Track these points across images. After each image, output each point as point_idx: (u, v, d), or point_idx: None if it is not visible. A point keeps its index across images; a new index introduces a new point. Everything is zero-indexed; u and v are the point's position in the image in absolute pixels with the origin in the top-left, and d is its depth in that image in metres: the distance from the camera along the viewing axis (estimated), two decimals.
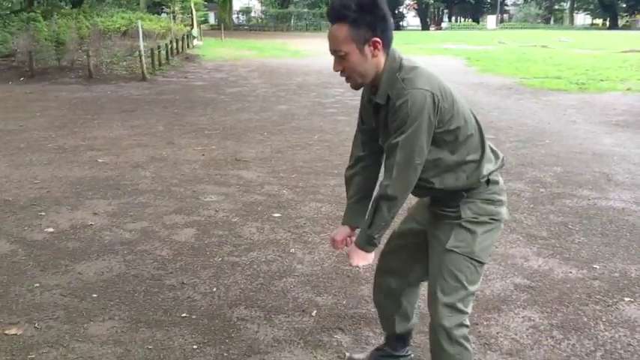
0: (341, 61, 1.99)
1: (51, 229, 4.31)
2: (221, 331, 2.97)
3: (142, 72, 13.54)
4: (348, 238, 2.30)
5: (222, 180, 5.65)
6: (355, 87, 2.08)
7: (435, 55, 20.17)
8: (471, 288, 2.12)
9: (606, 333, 2.98)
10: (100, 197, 5.07)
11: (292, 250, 4.01)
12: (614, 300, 3.32)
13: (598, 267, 3.75)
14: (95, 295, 3.33)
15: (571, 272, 3.68)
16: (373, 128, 2.19)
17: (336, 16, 1.95)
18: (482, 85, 12.93)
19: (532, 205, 4.93)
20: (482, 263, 2.13)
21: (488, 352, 2.80)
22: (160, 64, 15.22)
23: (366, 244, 2.11)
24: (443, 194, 2.14)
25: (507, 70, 15.56)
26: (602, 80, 13.23)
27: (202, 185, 5.47)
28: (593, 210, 4.82)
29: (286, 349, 2.82)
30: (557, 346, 2.86)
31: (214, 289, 3.43)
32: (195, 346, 2.83)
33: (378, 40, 1.96)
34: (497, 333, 2.98)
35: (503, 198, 2.19)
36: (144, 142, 7.21)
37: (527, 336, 2.95)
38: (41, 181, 5.51)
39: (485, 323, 3.06)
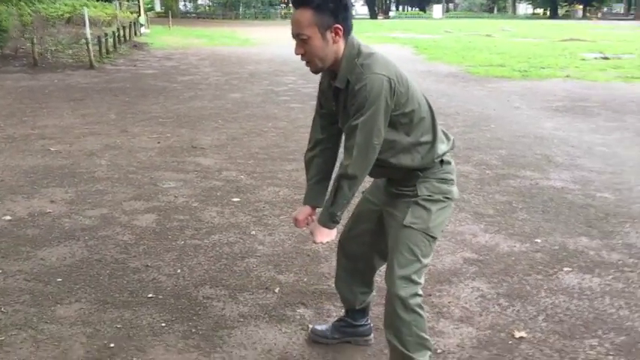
0: (303, 44, 2.08)
1: (8, 217, 4.30)
2: (188, 309, 3.08)
3: (90, 60, 13.27)
4: (310, 218, 2.42)
5: (180, 167, 5.71)
6: (315, 71, 2.17)
7: (383, 44, 20.45)
8: (425, 261, 2.29)
9: (547, 299, 3.24)
10: (55, 185, 5.05)
11: (253, 232, 4.14)
12: (555, 270, 3.59)
13: (540, 241, 4.03)
14: (60, 280, 3.37)
15: (515, 246, 3.94)
16: (332, 112, 2.31)
17: (301, 0, 2.05)
18: (430, 73, 13.27)
19: (479, 186, 5.20)
20: (435, 238, 2.30)
21: (441, 319, 3.01)
22: (107, 52, 14.94)
23: (329, 221, 2.24)
24: (400, 174, 2.28)
25: (454, 59, 15.98)
26: (543, 68, 13.78)
27: (160, 172, 5.51)
28: (535, 189, 5.12)
29: (252, 324, 2.96)
30: (504, 312, 3.10)
31: (178, 271, 3.52)
32: (163, 324, 2.93)
33: (340, 26, 2.07)
34: (449, 302, 3.19)
35: (454, 178, 2.36)
36: (96, 131, 7.15)
37: (476, 304, 3.18)
38: None
39: (437, 294, 3.28)
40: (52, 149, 6.22)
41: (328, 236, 2.27)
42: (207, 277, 3.45)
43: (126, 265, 3.58)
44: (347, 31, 2.11)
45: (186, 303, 3.15)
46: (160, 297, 3.21)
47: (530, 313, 3.09)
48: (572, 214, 4.54)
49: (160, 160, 5.91)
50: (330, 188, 2.25)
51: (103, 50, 14.68)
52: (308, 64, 2.15)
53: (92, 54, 13.36)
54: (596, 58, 15.52)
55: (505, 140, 6.89)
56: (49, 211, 4.46)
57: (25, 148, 6.23)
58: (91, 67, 13.13)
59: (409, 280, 2.24)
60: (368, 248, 2.53)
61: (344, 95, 2.15)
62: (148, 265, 3.58)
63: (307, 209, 2.41)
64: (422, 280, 2.31)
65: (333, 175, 2.28)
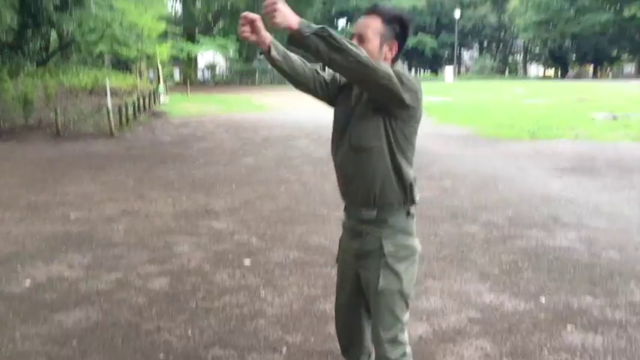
0: (359, 44, 2.19)
1: (28, 282, 4.46)
2: None
3: (110, 129, 13.75)
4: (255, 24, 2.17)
5: (194, 230, 5.88)
6: None
7: None
8: (405, 318, 2.39)
9: (550, 357, 3.29)
10: (74, 251, 5.23)
11: (262, 294, 4.25)
12: (558, 328, 3.64)
13: (544, 300, 4.08)
14: (75, 342, 3.50)
15: (520, 305, 4.00)
16: (333, 89, 2.41)
17: (375, 10, 2.26)
18: (441, 134, 13.52)
19: (485, 246, 5.29)
20: (409, 294, 2.39)
21: None
22: (127, 121, 15.47)
23: (307, 26, 2.01)
24: (378, 200, 2.31)
25: (464, 120, 16.28)
26: (552, 128, 13.98)
27: (174, 236, 5.68)
28: (541, 249, 5.19)
29: None
30: None
31: (189, 332, 3.63)
32: None
33: (396, 45, 2.28)
34: None
35: (415, 230, 2.42)
36: (115, 197, 7.40)
37: None
38: (15, 237, 5.64)
39: (442, 353, 3.34)
40: (72, 216, 6.45)
41: (287, 21, 2.00)
42: (216, 338, 3.55)
43: (139, 328, 3.70)
44: (398, 54, 2.30)
45: None
46: (171, 358, 3.31)
47: None
48: (577, 272, 4.60)
49: (174, 224, 6.10)
50: None
51: (123, 119, 15.21)
52: None
53: (112, 123, 13.86)
54: (605, 118, 15.71)
55: (512, 201, 7.00)
56: (66, 275, 4.62)
57: (46, 215, 6.47)
58: (112, 135, 13.59)
59: (396, 341, 2.35)
60: (355, 311, 2.58)
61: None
62: (160, 327, 3.70)
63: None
64: (406, 338, 2.40)
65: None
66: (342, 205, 2.52)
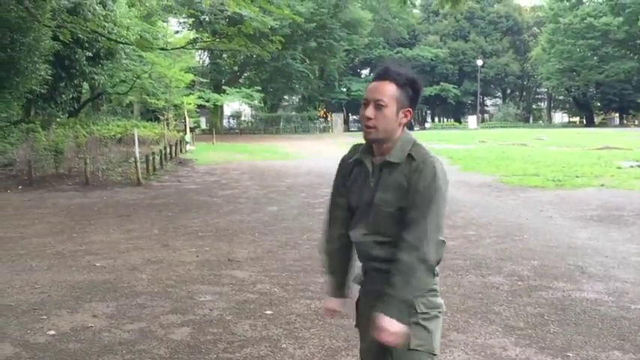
0: (376, 110, 2.23)
1: (52, 332, 4.51)
2: None
3: (137, 177, 14.02)
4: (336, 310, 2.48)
5: (216, 280, 5.91)
6: (372, 138, 2.27)
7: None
8: None
9: None
10: (98, 300, 5.29)
11: (284, 346, 4.23)
12: None
13: (571, 355, 3.99)
14: None
15: None
16: (347, 198, 2.42)
17: (387, 76, 2.25)
18: (464, 183, 13.48)
19: (510, 298, 5.21)
20: (437, 353, 2.35)
21: None
22: (154, 169, 15.76)
23: (406, 310, 2.19)
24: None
25: (487, 169, 16.23)
26: (577, 177, 13.84)
27: (197, 285, 5.72)
28: (568, 301, 5.09)
29: None
30: None
31: None
32: None
33: (411, 111, 2.31)
34: None
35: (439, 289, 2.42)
36: (140, 246, 7.49)
37: None
38: (41, 285, 5.74)
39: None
40: (97, 264, 6.54)
41: (400, 330, 2.20)
42: None
43: None
44: (409, 121, 2.34)
45: None
46: None
47: None
48: (606, 326, 4.49)
49: (197, 274, 6.14)
50: (392, 278, 2.20)
51: (150, 167, 15.51)
52: (370, 129, 2.26)
53: (140, 172, 14.14)
54: (632, 167, 15.53)
55: (537, 250, 6.91)
56: (90, 325, 4.66)
57: (72, 264, 6.57)
58: (139, 183, 13.84)
59: None
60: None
61: (395, 170, 2.25)
62: None
63: (336, 301, 2.49)
64: None
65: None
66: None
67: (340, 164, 2.48)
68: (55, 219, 9.49)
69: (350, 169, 2.42)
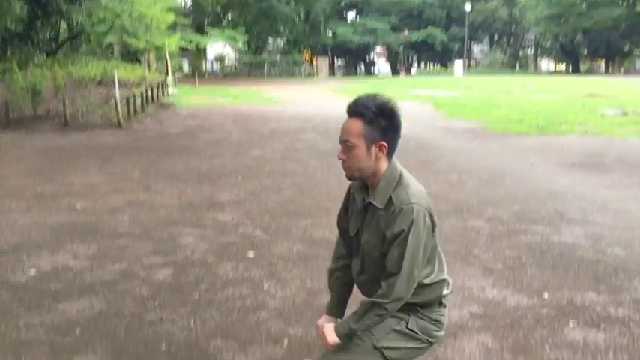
0: (346, 151, 2.14)
1: (33, 272, 4.50)
2: None
3: (118, 120, 13.80)
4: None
5: (198, 222, 5.90)
6: (349, 178, 2.25)
7: (403, 101, 20.85)
8: None
9: (551, 354, 3.28)
10: (79, 241, 5.27)
11: (265, 287, 4.26)
12: (560, 324, 3.63)
13: (547, 295, 4.07)
14: (78, 331, 3.52)
15: (522, 301, 3.99)
16: (346, 224, 2.38)
17: (355, 111, 2.15)
18: (449, 129, 13.47)
19: (490, 241, 5.28)
20: None
21: None
22: (135, 112, 15.50)
23: (345, 335, 2.20)
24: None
25: (472, 115, 16.20)
26: (561, 124, 13.88)
27: (179, 228, 5.71)
28: (546, 245, 5.17)
29: None
30: None
31: (192, 324, 3.65)
32: None
33: (385, 144, 2.16)
34: (453, 356, 3.26)
35: (444, 322, 2.36)
36: (120, 188, 7.43)
37: (480, 358, 3.24)
38: (21, 226, 5.69)
39: (442, 348, 3.34)
40: (78, 206, 6.48)
41: (333, 342, 2.24)
42: (218, 330, 3.57)
43: (142, 318, 3.73)
44: (391, 151, 2.19)
45: (197, 355, 3.26)
46: (173, 349, 3.33)
47: None
48: (582, 269, 4.58)
49: (179, 216, 6.12)
50: (361, 306, 2.20)
51: (131, 110, 15.25)
52: (346, 170, 2.20)
53: (120, 114, 13.90)
54: (615, 114, 15.59)
55: (519, 196, 6.97)
56: (71, 265, 4.65)
57: (52, 206, 6.51)
58: (119, 126, 13.63)
59: None
60: None
61: (377, 213, 2.19)
62: (162, 319, 3.72)
63: (328, 319, 2.41)
64: None
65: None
66: None
67: (348, 188, 2.41)
68: (34, 160, 9.35)
69: (351, 198, 2.38)
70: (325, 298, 3.99)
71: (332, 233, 5.44)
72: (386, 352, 2.20)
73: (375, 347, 2.21)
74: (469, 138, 12.23)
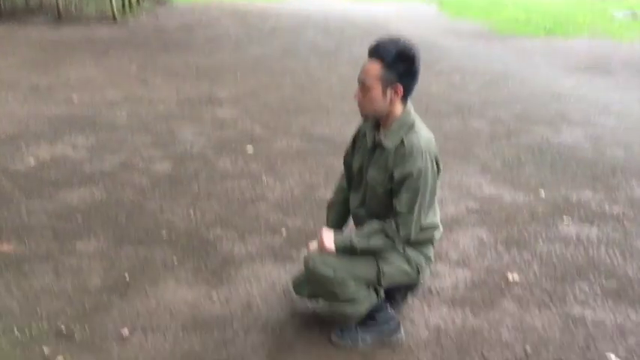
0: (363, 91, 2.21)
1: (32, 161, 4.50)
2: (198, 248, 3.26)
3: (113, 13, 13.33)
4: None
5: (197, 117, 5.85)
6: (363, 116, 2.31)
7: (406, 2, 20.14)
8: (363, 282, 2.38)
9: (544, 247, 3.35)
10: (77, 133, 5.23)
11: (264, 180, 4.29)
12: (555, 220, 3.69)
13: (544, 193, 4.11)
14: (80, 218, 3.57)
15: (519, 197, 4.03)
16: (352, 159, 2.47)
17: (375, 53, 2.17)
18: (453, 30, 13.07)
19: (490, 141, 5.26)
20: (371, 281, 2.35)
21: (439, 263, 3.14)
22: (130, 6, 14.96)
23: (344, 249, 2.28)
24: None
25: (478, 15, 15.68)
26: (569, 25, 13.48)
27: (177, 122, 5.66)
28: (546, 145, 5.16)
29: (258, 262, 3.13)
30: (500, 257, 3.23)
31: (191, 213, 3.70)
32: (175, 260, 3.12)
33: (401, 88, 2.18)
34: (448, 248, 3.33)
35: (433, 260, 2.49)
36: (118, 82, 7.30)
37: (473, 250, 3.31)
38: (19, 117, 5.63)
39: (436, 241, 3.39)
40: (75, 99, 6.39)
41: (329, 249, 2.32)
42: (218, 220, 3.62)
43: (142, 207, 3.77)
44: (407, 95, 2.23)
45: (197, 242, 3.33)
46: (173, 236, 3.39)
47: (526, 258, 3.21)
48: (580, 168, 4.59)
49: (178, 111, 6.06)
50: (368, 226, 2.29)
51: (126, 4, 14.70)
52: (361, 109, 2.28)
53: (115, 7, 13.42)
54: (625, 16, 15.10)
55: (522, 97, 6.88)
56: (70, 156, 4.65)
57: (49, 98, 6.41)
58: (114, 20, 13.19)
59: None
60: None
61: (385, 153, 2.25)
62: (162, 208, 3.76)
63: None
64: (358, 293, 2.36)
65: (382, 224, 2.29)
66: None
67: (359, 127, 2.48)
68: (29, 53, 9.12)
69: (361, 136, 2.46)
70: (323, 192, 4.06)
71: (331, 131, 5.43)
72: (380, 264, 2.32)
73: (372, 253, 2.31)
74: (474, 39, 11.90)
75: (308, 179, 4.32)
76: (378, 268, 2.32)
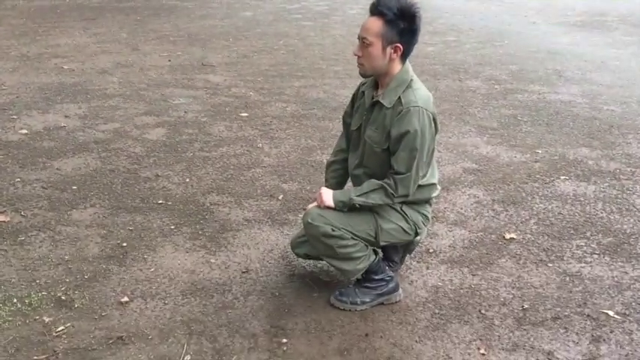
0: (363, 48, 2.20)
1: (25, 131, 4.45)
2: (195, 214, 3.25)
3: None
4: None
5: (190, 84, 5.78)
6: (362, 74, 2.30)
7: None
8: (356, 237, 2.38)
9: (541, 205, 3.35)
10: (69, 101, 5.17)
11: (260, 145, 4.26)
12: (551, 178, 3.69)
13: (540, 151, 4.10)
14: (75, 187, 3.55)
15: (515, 157, 4.02)
16: (351, 119, 2.47)
17: (376, 10, 2.16)
18: None
19: (485, 101, 5.22)
20: (362, 236, 2.34)
21: (436, 223, 3.14)
22: None
23: (344, 204, 2.29)
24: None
25: None
26: None
27: (170, 89, 5.59)
28: (542, 103, 5.13)
29: (256, 227, 3.12)
30: (497, 216, 3.23)
31: (187, 180, 3.68)
32: (172, 227, 3.11)
33: (400, 46, 2.17)
34: (445, 208, 3.32)
35: (430, 218, 2.51)
36: (108, 49, 7.19)
37: (470, 210, 3.31)
38: (9, 87, 5.55)
39: (434, 200, 3.39)
40: (65, 67, 6.30)
41: (329, 204, 2.32)
42: (214, 186, 3.60)
43: (137, 175, 3.74)
44: (406, 53, 2.22)
45: (194, 208, 3.32)
46: (170, 203, 3.38)
47: (523, 217, 3.21)
48: (576, 126, 4.57)
49: (170, 78, 5.98)
50: (367, 184, 2.29)
51: None
52: (360, 66, 2.26)
53: None
54: None
55: (517, 56, 6.81)
56: (63, 125, 4.60)
57: (39, 66, 6.32)
58: None
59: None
60: None
61: (383, 111, 2.25)
62: (158, 175, 3.74)
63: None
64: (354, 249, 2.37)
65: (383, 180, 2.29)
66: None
67: (358, 86, 2.47)
68: (16, 21, 8.95)
69: (359, 95, 2.45)
70: (319, 155, 4.04)
71: (326, 94, 5.38)
72: (379, 220, 2.33)
73: (371, 210, 2.33)
74: None
75: (303, 143, 4.30)
76: (377, 225, 2.32)
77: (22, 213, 3.22)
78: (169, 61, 6.68)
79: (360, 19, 2.20)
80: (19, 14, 9.58)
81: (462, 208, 3.32)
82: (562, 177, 3.69)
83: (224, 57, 6.88)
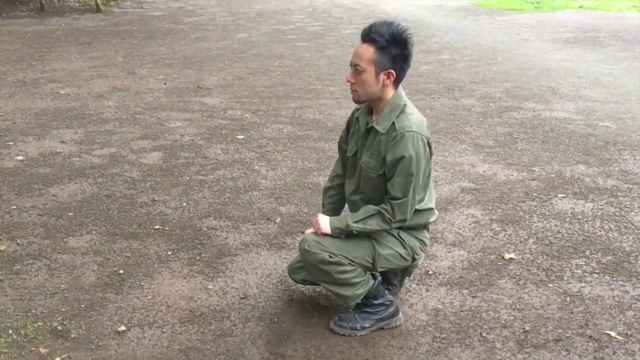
0: (355, 74, 2.22)
1: (21, 157, 4.44)
2: (192, 239, 3.23)
3: (96, 3, 13.15)
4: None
5: (186, 107, 5.79)
6: (355, 100, 2.31)
7: None
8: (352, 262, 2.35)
9: (539, 224, 3.34)
10: (65, 127, 5.17)
11: (256, 168, 4.25)
12: (549, 197, 3.68)
13: (537, 169, 4.10)
14: (71, 214, 3.53)
15: (512, 175, 4.02)
16: (346, 145, 2.48)
17: (368, 36, 2.17)
18: (440, 7, 13.00)
19: (481, 119, 5.24)
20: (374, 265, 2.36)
21: (435, 244, 3.13)
22: None
23: (340, 231, 2.28)
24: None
25: None
26: None
27: (166, 112, 5.60)
28: (537, 120, 5.15)
29: (253, 251, 3.11)
30: (495, 236, 3.22)
31: (184, 204, 3.66)
32: (169, 252, 3.09)
33: (393, 72, 2.19)
34: (443, 229, 3.31)
35: (428, 244, 2.50)
36: (104, 73, 7.21)
37: (469, 230, 3.30)
38: (5, 112, 5.55)
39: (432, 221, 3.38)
40: (62, 92, 6.31)
41: (325, 231, 2.31)
42: (211, 210, 3.59)
43: (134, 200, 3.73)
44: (399, 79, 2.24)
45: (191, 233, 3.30)
46: (167, 228, 3.36)
47: (521, 236, 3.20)
48: (572, 143, 4.59)
49: (166, 101, 5.99)
50: (364, 210, 2.29)
51: None
52: (353, 92, 2.28)
53: None
54: None
55: (511, 73, 6.85)
56: (59, 151, 4.59)
57: (35, 92, 6.33)
58: (98, 10, 13.02)
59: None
60: None
61: (378, 137, 2.26)
62: (155, 200, 3.73)
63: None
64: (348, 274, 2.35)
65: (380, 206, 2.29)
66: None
67: (353, 111, 2.48)
68: (12, 47, 8.99)
69: (354, 121, 2.46)
70: (316, 177, 4.03)
71: (322, 114, 5.39)
72: (376, 246, 2.32)
73: (368, 237, 2.32)
74: (461, 15, 11.84)
75: (300, 165, 4.29)
76: (374, 251, 2.31)
77: (18, 241, 3.20)
78: (165, 84, 6.70)
79: (355, 38, 2.21)
80: (15, 39, 9.62)
81: (460, 229, 3.31)
82: (559, 195, 3.69)
83: (220, 79, 6.91)
